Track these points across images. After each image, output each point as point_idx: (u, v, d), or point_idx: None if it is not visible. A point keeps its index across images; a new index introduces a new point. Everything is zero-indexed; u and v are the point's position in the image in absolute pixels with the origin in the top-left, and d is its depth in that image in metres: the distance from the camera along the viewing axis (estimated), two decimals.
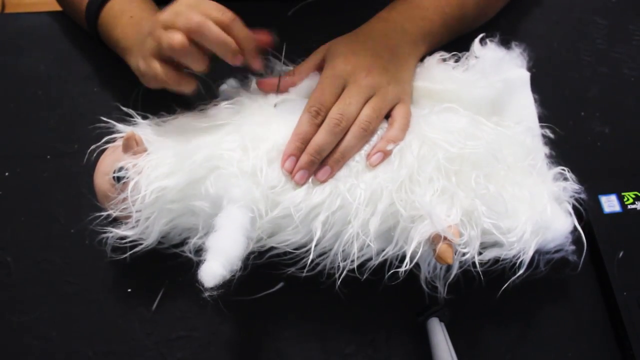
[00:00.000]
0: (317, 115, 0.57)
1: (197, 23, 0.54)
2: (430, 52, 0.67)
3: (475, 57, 0.63)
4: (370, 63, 0.60)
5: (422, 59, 0.66)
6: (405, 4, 0.67)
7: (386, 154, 0.56)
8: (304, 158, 0.55)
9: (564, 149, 0.64)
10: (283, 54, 0.63)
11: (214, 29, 0.54)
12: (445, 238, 0.52)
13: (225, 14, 0.55)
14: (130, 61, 0.63)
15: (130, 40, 0.63)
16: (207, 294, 0.49)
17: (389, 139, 0.57)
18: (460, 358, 0.53)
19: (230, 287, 0.51)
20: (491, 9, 0.74)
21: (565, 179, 0.59)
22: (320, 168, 0.56)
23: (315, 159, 0.55)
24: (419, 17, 0.66)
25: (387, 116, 0.60)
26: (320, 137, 0.56)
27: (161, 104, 0.64)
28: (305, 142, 0.56)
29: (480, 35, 0.65)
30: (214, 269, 0.49)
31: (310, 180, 0.55)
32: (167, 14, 0.55)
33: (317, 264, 0.57)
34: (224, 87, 0.65)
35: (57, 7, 0.77)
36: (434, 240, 0.52)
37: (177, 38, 0.54)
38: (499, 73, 0.62)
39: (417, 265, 0.55)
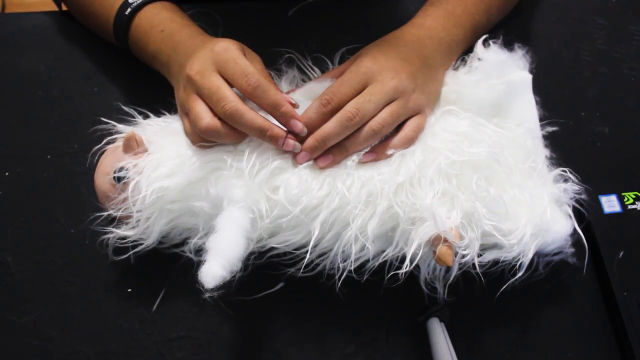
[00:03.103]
0: (327, 104, 0.55)
1: (231, 112, 0.53)
2: None
3: (478, 59, 0.63)
4: (399, 66, 0.58)
5: None
6: (439, 11, 0.65)
7: (380, 157, 0.56)
8: (310, 141, 0.55)
9: (564, 149, 0.64)
10: None
11: (247, 116, 0.53)
12: (445, 240, 0.52)
13: (249, 81, 0.54)
14: (169, 78, 0.63)
15: (165, 56, 0.62)
16: (207, 294, 0.50)
17: (388, 145, 0.56)
18: (460, 358, 0.53)
19: (230, 287, 0.51)
20: (505, 13, 0.74)
21: (566, 180, 0.59)
22: (322, 155, 0.56)
23: (319, 145, 0.55)
24: (453, 25, 0.64)
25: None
26: (330, 127, 0.55)
27: (162, 103, 0.64)
28: (307, 127, 0.55)
29: (483, 37, 0.65)
30: (214, 270, 0.49)
31: (310, 181, 0.55)
32: (197, 77, 0.55)
33: (317, 265, 0.57)
34: None
35: (57, 7, 0.77)
36: (434, 242, 0.52)
37: (204, 124, 0.53)
38: (501, 75, 0.62)
39: (417, 266, 0.55)
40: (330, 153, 0.56)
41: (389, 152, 0.56)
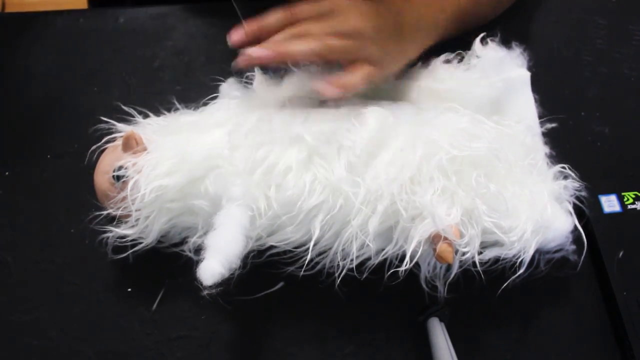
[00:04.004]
0: (286, 18, 0.57)
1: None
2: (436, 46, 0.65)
3: (477, 56, 0.63)
4: (370, 15, 0.57)
5: (426, 61, 0.65)
6: None
7: (327, 93, 0.56)
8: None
9: (564, 149, 0.64)
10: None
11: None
12: (445, 237, 0.52)
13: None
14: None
15: None
16: (206, 292, 0.50)
17: (335, 82, 0.56)
18: (460, 358, 0.53)
19: (229, 285, 0.51)
20: (502, 7, 0.74)
21: (566, 177, 0.59)
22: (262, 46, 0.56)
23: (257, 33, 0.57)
24: (437, 7, 0.64)
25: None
26: (272, 20, 0.57)
27: (162, 103, 0.64)
28: (261, 29, 0.57)
29: (481, 35, 0.65)
30: (213, 267, 0.49)
31: (311, 179, 0.55)
32: None
33: (317, 263, 0.57)
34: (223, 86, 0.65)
35: (57, 7, 0.77)
36: (434, 239, 0.52)
37: None
38: (499, 72, 0.62)
39: (417, 264, 0.55)
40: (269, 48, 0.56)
41: (335, 92, 0.56)
